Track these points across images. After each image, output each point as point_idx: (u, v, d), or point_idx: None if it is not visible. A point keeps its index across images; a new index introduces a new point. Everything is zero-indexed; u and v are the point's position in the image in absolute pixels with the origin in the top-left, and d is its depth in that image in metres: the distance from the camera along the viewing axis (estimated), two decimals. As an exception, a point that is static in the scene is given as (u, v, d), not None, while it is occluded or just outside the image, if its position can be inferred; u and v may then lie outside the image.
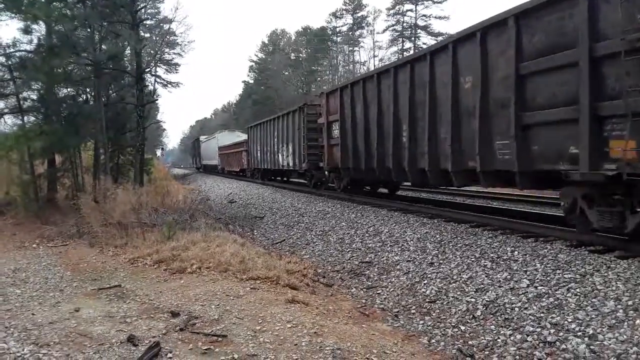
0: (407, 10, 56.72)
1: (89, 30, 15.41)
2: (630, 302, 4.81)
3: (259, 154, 26.84)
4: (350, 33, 61.50)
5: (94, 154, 16.49)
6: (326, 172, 16.99)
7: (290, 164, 20.64)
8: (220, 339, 4.59)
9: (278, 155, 22.58)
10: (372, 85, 12.39)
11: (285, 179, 26.76)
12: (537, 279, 5.93)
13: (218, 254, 7.96)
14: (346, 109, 13.89)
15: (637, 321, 4.47)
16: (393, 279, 7.44)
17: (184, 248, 8.52)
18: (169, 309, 5.47)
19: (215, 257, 7.81)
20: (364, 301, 6.87)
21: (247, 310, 5.45)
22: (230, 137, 44.25)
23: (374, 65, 56.50)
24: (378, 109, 12.01)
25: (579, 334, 4.59)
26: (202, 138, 59.11)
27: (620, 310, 4.73)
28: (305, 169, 18.65)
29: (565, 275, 5.80)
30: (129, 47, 19.25)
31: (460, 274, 6.78)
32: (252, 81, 74.77)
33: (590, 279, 5.56)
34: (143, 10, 19.48)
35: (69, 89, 16.18)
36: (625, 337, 4.32)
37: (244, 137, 41.75)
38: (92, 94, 16.57)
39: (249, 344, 4.50)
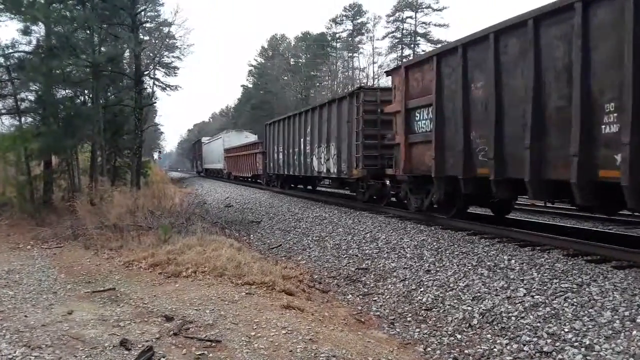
0: (407, 18, 57.09)
1: (88, 32, 15.44)
2: (627, 313, 4.79)
3: (281, 157, 21.70)
4: (350, 39, 61.73)
5: (90, 155, 16.47)
6: (389, 182, 12.83)
7: (332, 170, 15.75)
8: (214, 344, 4.54)
9: (311, 159, 17.73)
10: (516, 40, 7.47)
11: (310, 187, 22.57)
12: (534, 288, 5.91)
13: (214, 258, 7.91)
14: (452, 86, 9.06)
15: (634, 332, 4.45)
16: (389, 286, 7.40)
17: (179, 252, 8.46)
18: (163, 313, 5.42)
19: (210, 262, 7.75)
20: (359, 308, 6.83)
21: (242, 316, 5.41)
22: (238, 137, 40.11)
23: (374, 72, 56.72)
24: (536, 79, 7.09)
25: (576, 344, 4.56)
26: (204, 139, 55.44)
27: (617, 321, 4.71)
28: (359, 177, 13.81)
29: (562, 285, 5.78)
30: (128, 50, 19.28)
31: (457, 282, 6.76)
32: (251, 85, 74.85)
33: (587, 289, 5.54)
34: (143, 13, 19.49)
35: (67, 91, 16.19)
36: (621, 348, 4.30)
37: (252, 138, 38.81)
38: (90, 95, 16.57)
39: (243, 349, 4.45)
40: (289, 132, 20.44)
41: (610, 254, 6.66)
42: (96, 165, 15.87)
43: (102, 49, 16.68)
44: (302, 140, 18.68)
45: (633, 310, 4.81)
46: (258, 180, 30.15)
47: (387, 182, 12.82)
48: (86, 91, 16.92)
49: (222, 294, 6.31)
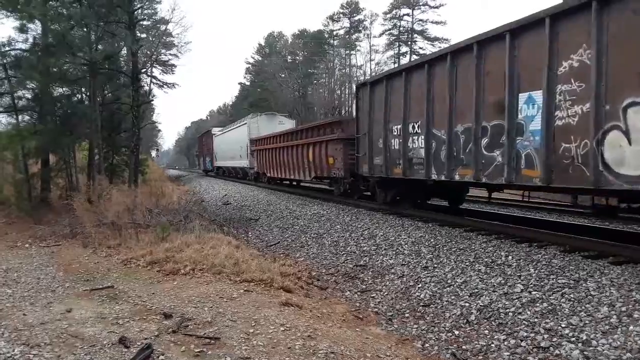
0: (404, 15, 56.91)
1: (85, 29, 15.37)
2: (623, 308, 4.82)
3: (406, 145, 10.75)
4: (347, 36, 61.61)
5: (88, 153, 16.43)
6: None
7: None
8: (213, 341, 4.56)
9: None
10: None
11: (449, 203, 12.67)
12: (531, 284, 5.94)
13: (212, 256, 7.92)
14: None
15: (631, 327, 4.47)
16: (387, 283, 7.42)
17: (177, 249, 8.47)
18: (161, 311, 5.43)
19: (209, 259, 7.77)
20: (358, 304, 6.85)
21: (240, 313, 5.42)
22: (269, 123, 28.82)
23: (370, 69, 56.73)
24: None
25: (573, 339, 4.59)
26: (215, 130, 44.69)
27: (614, 316, 4.74)
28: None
29: (559, 281, 5.81)
30: (125, 48, 19.21)
31: (454, 278, 6.78)
32: (248, 83, 74.69)
33: (584, 285, 5.56)
34: (140, 10, 19.42)
35: (64, 89, 16.13)
36: (618, 343, 4.32)
37: (289, 123, 29.36)
38: (87, 93, 16.54)
39: (242, 346, 4.47)
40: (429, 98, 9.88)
41: (609, 250, 6.69)
42: (94, 163, 15.83)
43: (99, 46, 16.64)
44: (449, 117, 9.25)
45: (630, 306, 4.84)
46: (326, 187, 18.84)
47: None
48: (83, 89, 16.88)
49: (220, 291, 6.33)
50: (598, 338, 4.48)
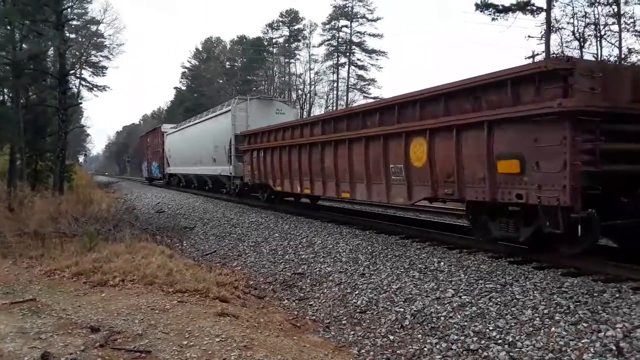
0: (343, 26, 57.90)
1: (8, 27, 14.45)
2: (546, 311, 5.12)
3: None
4: (287, 45, 61.82)
5: (9, 158, 15.39)
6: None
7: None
8: (143, 354, 4.37)
9: None
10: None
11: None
12: (462, 288, 6.17)
13: (143, 266, 7.62)
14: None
15: (553, 329, 4.75)
16: (325, 290, 7.45)
17: (106, 260, 8.07)
18: (88, 324, 5.14)
19: (140, 269, 7.47)
20: (295, 313, 6.82)
21: (173, 325, 5.24)
22: (264, 112, 19.49)
23: (310, 78, 57.24)
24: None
25: (500, 341, 4.81)
26: (166, 127, 34.48)
27: (537, 319, 5.02)
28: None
29: (487, 285, 6.08)
30: (52, 48, 18.23)
31: (390, 285, 6.92)
32: (184, 88, 72.99)
33: (510, 289, 5.86)
34: (69, 10, 18.53)
35: (-17, 89, 15.06)
36: (542, 344, 4.58)
37: (290, 114, 20.56)
38: (10, 94, 15.53)
39: (174, 359, 4.32)
40: None
41: (531, 256, 7.06)
42: (15, 168, 14.84)
43: (24, 46, 15.69)
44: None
45: (552, 309, 5.14)
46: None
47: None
48: (5, 90, 15.85)
49: (152, 302, 6.09)
50: (523, 339, 4.72)
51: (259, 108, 19.71)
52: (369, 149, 9.64)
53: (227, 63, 65.31)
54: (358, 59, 57.83)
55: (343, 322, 6.26)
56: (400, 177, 8.80)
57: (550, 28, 26.38)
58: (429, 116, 8.05)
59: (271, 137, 14.64)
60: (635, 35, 24.82)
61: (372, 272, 7.60)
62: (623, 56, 24.40)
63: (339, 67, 57.73)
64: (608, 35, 25.83)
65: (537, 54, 27.11)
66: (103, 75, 42.53)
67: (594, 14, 26.01)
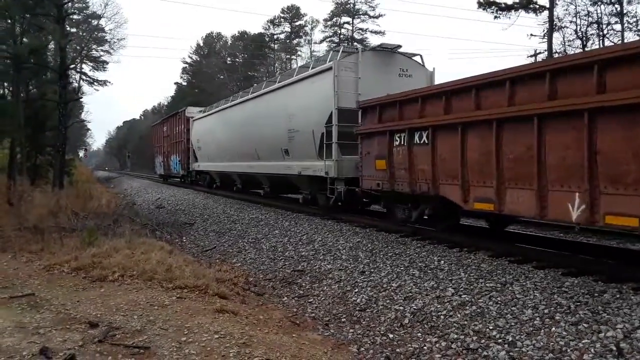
0: (344, 23, 57.84)
1: (9, 21, 14.41)
2: (546, 311, 5.10)
3: None
4: (288, 41, 61.75)
5: (9, 153, 15.36)
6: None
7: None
8: (142, 350, 4.35)
9: None
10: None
11: None
12: (462, 287, 6.16)
13: (143, 262, 7.60)
14: None
15: (553, 329, 4.73)
16: (325, 288, 7.44)
17: (105, 255, 8.05)
18: (87, 320, 5.12)
19: (139, 265, 7.45)
20: (295, 310, 6.81)
21: (172, 321, 5.22)
22: (382, 71, 12.06)
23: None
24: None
25: (500, 341, 4.79)
26: (192, 110, 27.84)
27: (538, 318, 5.00)
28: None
29: (487, 284, 6.06)
30: (52, 42, 18.19)
31: (390, 283, 6.91)
32: (185, 83, 72.96)
33: (510, 288, 5.84)
34: (70, 4, 18.45)
35: (-18, 82, 15.03)
36: (542, 344, 4.56)
37: (420, 73, 12.66)
38: (11, 88, 15.51)
39: (173, 356, 4.30)
40: None
41: (531, 255, 7.06)
42: (15, 163, 14.82)
43: (25, 40, 15.65)
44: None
45: (552, 308, 5.13)
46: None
47: None
48: (6, 84, 15.82)
49: (151, 298, 6.07)
50: (523, 339, 4.71)
51: (375, 66, 12.22)
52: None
53: (228, 59, 65.23)
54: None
55: (342, 320, 6.25)
56: None
57: (552, 27, 26.35)
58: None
59: (457, 103, 7.76)
60: (637, 34, 24.84)
61: (372, 270, 7.58)
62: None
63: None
64: (611, 34, 25.83)
65: (539, 53, 27.09)
66: (104, 70, 42.52)
67: (597, 13, 26.01)
